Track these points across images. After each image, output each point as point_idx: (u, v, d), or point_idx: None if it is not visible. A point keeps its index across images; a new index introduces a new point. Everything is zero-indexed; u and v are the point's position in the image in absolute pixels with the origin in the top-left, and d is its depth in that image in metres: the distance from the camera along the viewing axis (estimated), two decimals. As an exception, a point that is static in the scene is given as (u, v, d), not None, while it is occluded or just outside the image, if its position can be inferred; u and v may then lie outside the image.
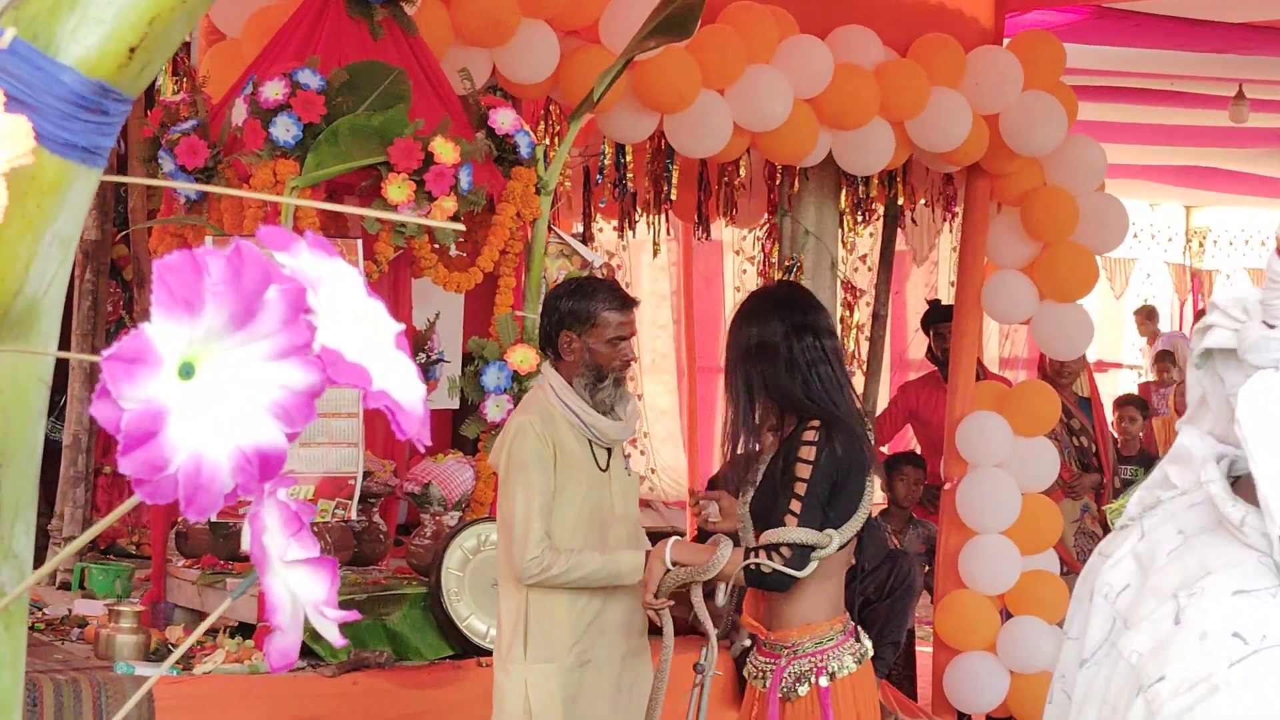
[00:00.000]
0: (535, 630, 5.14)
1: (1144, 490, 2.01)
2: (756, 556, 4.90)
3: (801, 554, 4.87)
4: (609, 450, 5.29)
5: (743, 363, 5.07)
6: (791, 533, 4.86)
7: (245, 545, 1.31)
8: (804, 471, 4.89)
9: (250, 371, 1.18)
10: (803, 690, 4.94)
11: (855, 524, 5.05)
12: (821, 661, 4.95)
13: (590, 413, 5.14)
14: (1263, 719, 1.77)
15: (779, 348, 4.99)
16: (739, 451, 5.14)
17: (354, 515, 6.23)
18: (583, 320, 5.13)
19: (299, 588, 1.31)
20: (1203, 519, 1.90)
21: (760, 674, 5.08)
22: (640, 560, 5.16)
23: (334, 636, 1.34)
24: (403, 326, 1.29)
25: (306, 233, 1.25)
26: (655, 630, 5.29)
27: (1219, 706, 1.76)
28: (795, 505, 4.89)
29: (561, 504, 5.14)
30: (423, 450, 1.33)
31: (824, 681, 4.93)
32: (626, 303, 5.29)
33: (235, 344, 1.18)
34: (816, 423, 4.94)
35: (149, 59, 1.28)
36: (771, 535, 4.90)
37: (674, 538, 5.21)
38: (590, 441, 5.19)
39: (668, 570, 5.03)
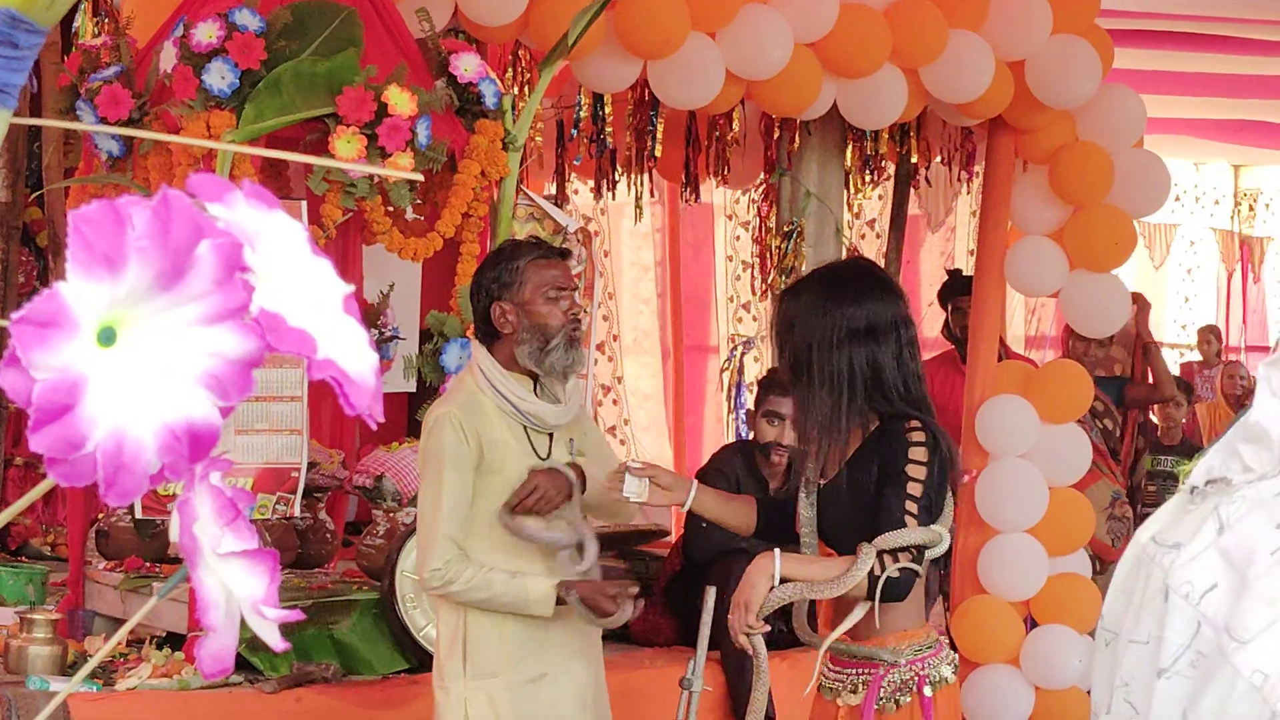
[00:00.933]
0: (475, 643, 5.11)
1: (1214, 458, 2.01)
2: (885, 563, 4.82)
3: (920, 556, 4.88)
4: (550, 436, 5.28)
5: (848, 347, 4.97)
6: (914, 534, 4.84)
7: (174, 537, 1.31)
8: (918, 472, 4.89)
9: (179, 337, 1.18)
10: (905, 700, 4.93)
11: (950, 522, 5.12)
12: (923, 670, 4.96)
13: (526, 398, 5.12)
14: None
15: (891, 335, 4.98)
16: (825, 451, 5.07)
17: (297, 512, 6.24)
18: (508, 284, 5.12)
19: (235, 584, 1.31)
20: None
21: (848, 686, 4.98)
22: (550, 593, 5.11)
23: (274, 640, 1.34)
24: (352, 288, 1.29)
25: (244, 181, 1.24)
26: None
27: None
28: (912, 506, 4.86)
29: (490, 505, 5.10)
30: (374, 426, 1.33)
31: (928, 691, 4.92)
32: (552, 252, 5.27)
33: (162, 306, 1.17)
34: (917, 422, 4.95)
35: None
36: (893, 538, 4.84)
37: (777, 550, 4.95)
38: (526, 429, 5.18)
39: (773, 587, 4.86)
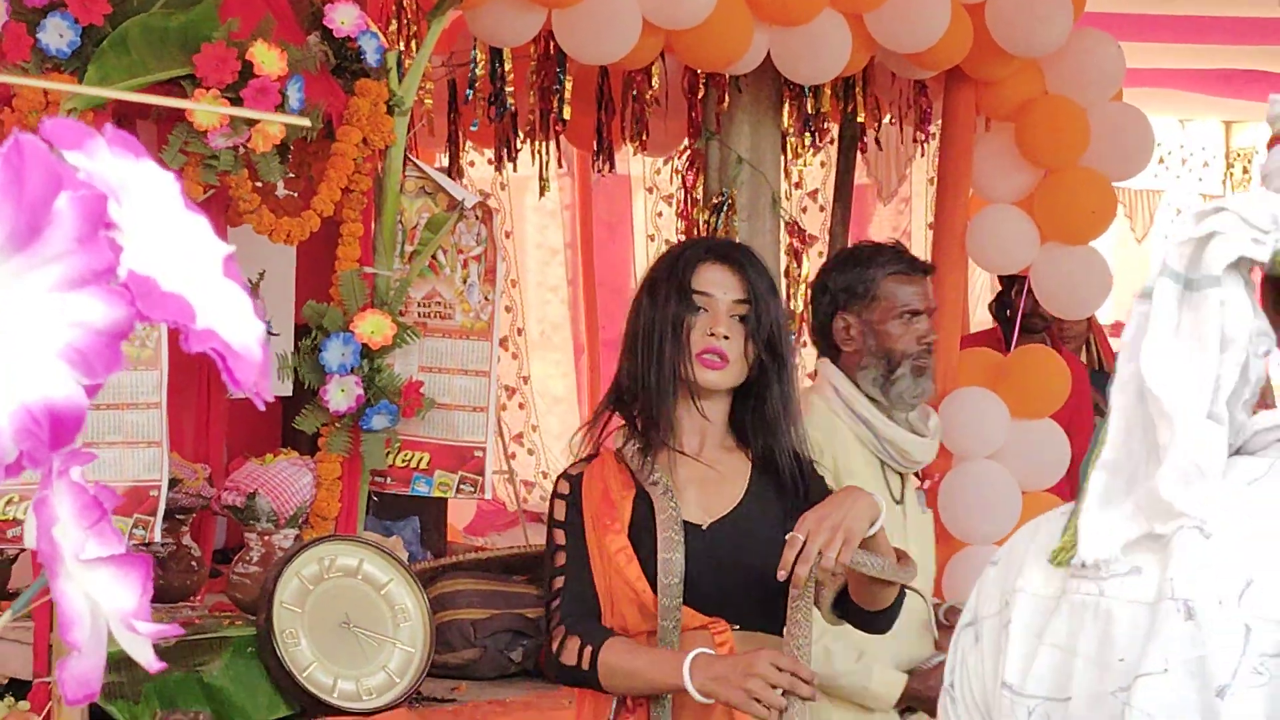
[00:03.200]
0: None
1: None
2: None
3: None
4: (901, 476, 5.27)
5: None
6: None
7: (30, 542, 1.31)
8: None
9: (36, 305, 1.18)
10: None
11: None
12: None
13: (889, 425, 5.10)
14: None
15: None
16: None
17: (158, 537, 6.20)
18: (859, 295, 5.13)
19: (101, 595, 1.32)
20: None
21: None
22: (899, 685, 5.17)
23: (147, 658, 1.35)
24: (233, 248, 1.30)
25: (106, 127, 1.24)
26: None
27: None
28: None
29: None
30: (262, 406, 1.34)
31: None
32: (916, 266, 5.29)
33: (15, 270, 1.18)
34: None
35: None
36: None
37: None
38: (883, 464, 5.16)
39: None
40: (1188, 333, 1.97)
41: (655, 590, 4.18)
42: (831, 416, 5.04)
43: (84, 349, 1.19)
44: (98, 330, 1.19)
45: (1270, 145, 2.03)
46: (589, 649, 4.15)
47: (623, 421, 4.50)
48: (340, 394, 6.32)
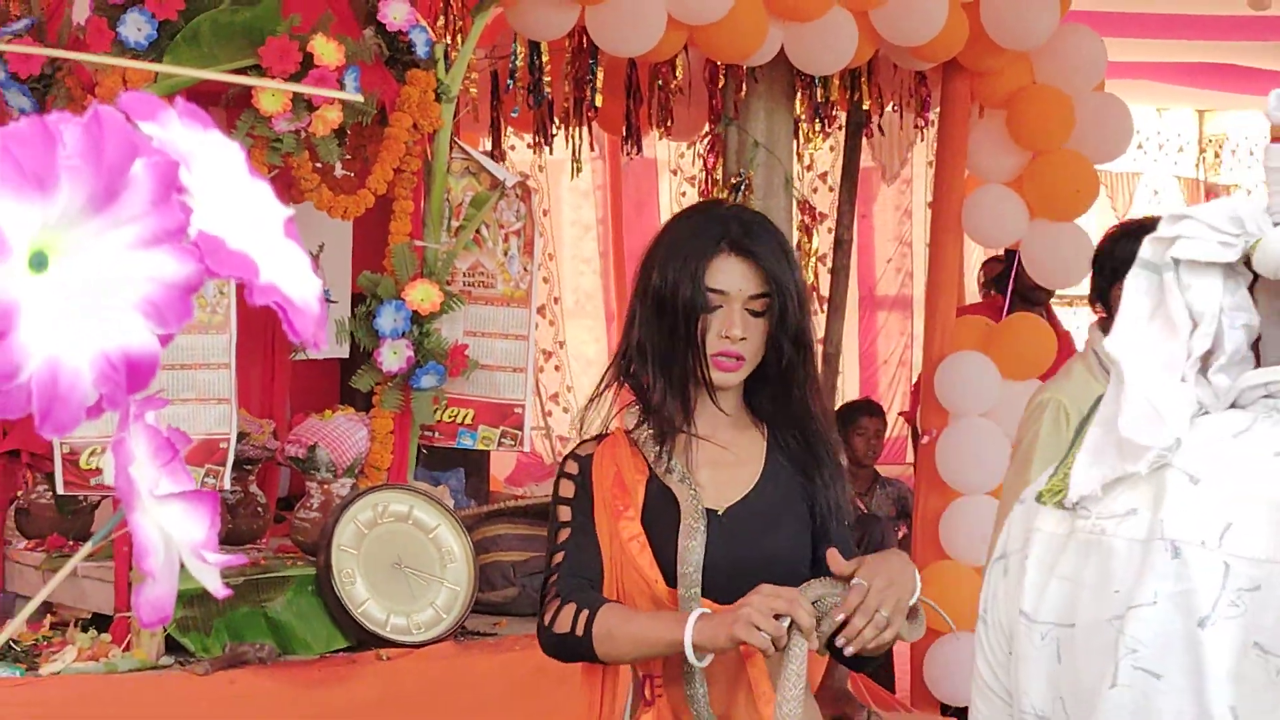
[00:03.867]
0: None
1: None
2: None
3: None
4: None
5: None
6: None
7: (108, 480, 1.31)
8: None
9: (115, 261, 1.18)
10: None
11: None
12: None
13: None
14: None
15: None
16: None
17: (227, 485, 6.22)
18: None
19: (173, 528, 1.32)
20: None
21: None
22: None
23: (216, 586, 1.35)
24: (292, 211, 1.29)
25: (177, 100, 1.24)
26: None
27: None
28: None
29: None
30: (318, 351, 1.33)
31: None
32: None
33: (96, 229, 1.17)
34: None
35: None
36: None
37: None
38: None
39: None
40: (1160, 313, 1.97)
41: (669, 579, 3.76)
42: (1090, 381, 4.91)
43: (158, 302, 1.19)
44: (170, 284, 1.19)
45: (1274, 140, 2.03)
46: (585, 614, 3.71)
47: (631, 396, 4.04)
48: (393, 356, 6.33)
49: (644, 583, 3.75)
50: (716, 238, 3.68)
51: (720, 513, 3.75)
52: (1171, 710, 1.93)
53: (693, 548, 3.68)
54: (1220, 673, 1.90)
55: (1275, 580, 1.88)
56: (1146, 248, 2.00)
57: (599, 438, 3.93)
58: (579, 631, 3.68)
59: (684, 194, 12.64)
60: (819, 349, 7.36)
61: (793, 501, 3.81)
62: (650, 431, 3.81)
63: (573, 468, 3.94)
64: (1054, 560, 2.08)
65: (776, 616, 3.43)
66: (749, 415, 3.86)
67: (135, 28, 5.83)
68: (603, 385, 3.89)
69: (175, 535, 1.32)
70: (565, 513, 3.92)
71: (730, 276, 3.66)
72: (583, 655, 3.75)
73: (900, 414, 12.97)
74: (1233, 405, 1.99)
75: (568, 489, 3.93)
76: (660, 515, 3.76)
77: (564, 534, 3.90)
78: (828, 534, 3.75)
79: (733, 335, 3.65)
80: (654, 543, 3.76)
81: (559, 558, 3.86)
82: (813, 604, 3.49)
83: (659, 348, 3.71)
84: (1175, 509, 1.95)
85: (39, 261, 1.16)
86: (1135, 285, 2.01)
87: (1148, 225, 5.50)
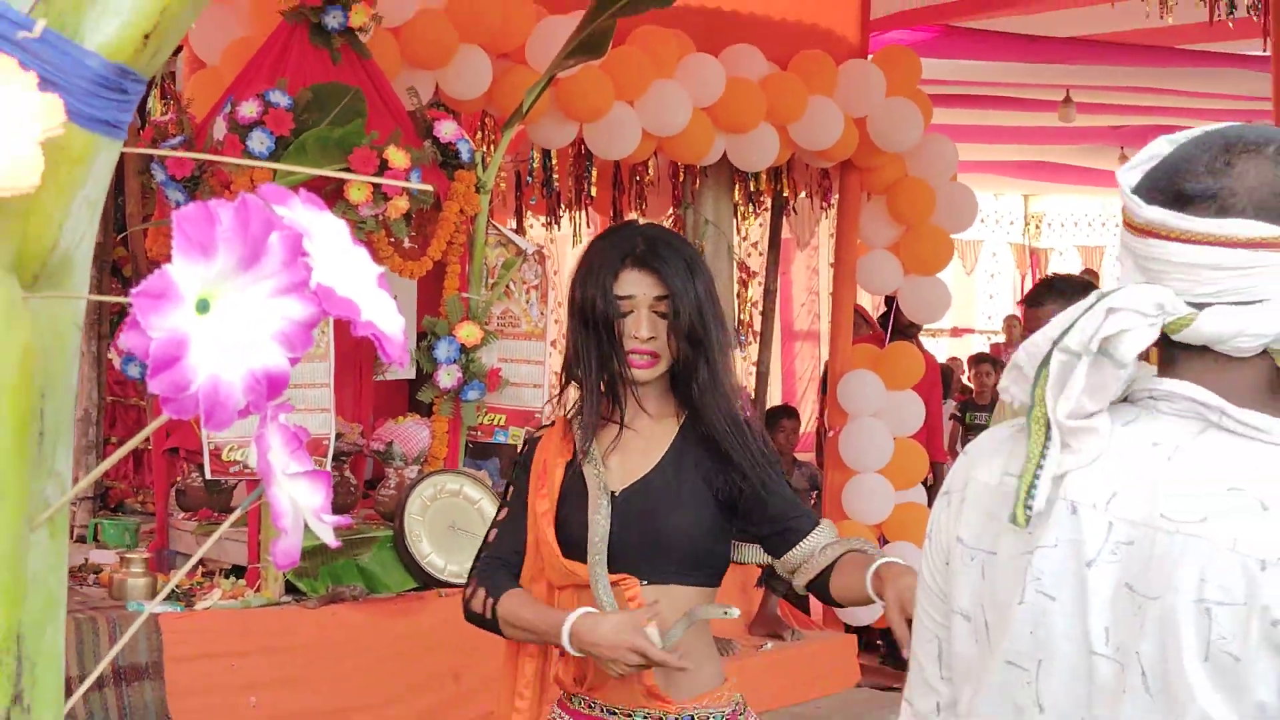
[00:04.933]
0: None
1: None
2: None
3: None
4: None
5: None
6: None
7: (251, 463, 1.32)
8: None
9: (257, 306, 1.18)
10: None
11: None
12: None
13: None
14: None
15: None
16: None
17: (329, 470, 6.23)
18: None
19: (299, 497, 1.32)
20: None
21: None
22: None
23: (330, 539, 1.35)
24: (383, 270, 1.30)
25: (300, 190, 1.25)
26: None
27: None
28: None
29: None
30: (401, 366, 1.33)
31: None
32: None
33: (244, 283, 1.18)
34: None
35: (160, 44, 1.29)
36: None
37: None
38: None
39: None
40: (1094, 388, 1.92)
41: (573, 553, 3.33)
42: None
43: (289, 334, 1.20)
44: (297, 322, 1.19)
45: (1131, 230, 1.94)
46: (490, 601, 3.35)
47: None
48: (447, 377, 6.33)
49: (552, 554, 3.35)
50: (623, 254, 3.31)
51: (617, 494, 3.35)
52: (1062, 624, 1.89)
53: (598, 522, 3.30)
54: (1099, 601, 1.86)
55: (1144, 539, 1.85)
56: (1074, 336, 1.91)
57: (550, 425, 3.57)
58: (487, 615, 3.36)
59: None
60: (743, 370, 7.27)
61: (694, 482, 3.35)
62: (581, 419, 3.43)
63: (523, 450, 3.62)
64: (985, 503, 2.05)
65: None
66: (674, 408, 3.41)
67: (259, 141, 5.84)
68: (560, 388, 3.50)
69: (300, 502, 1.32)
70: (509, 492, 3.57)
71: (635, 285, 3.28)
72: (493, 631, 3.40)
73: (816, 418, 12.97)
74: (1125, 399, 1.97)
75: (514, 471, 3.59)
76: (574, 495, 3.37)
77: (502, 513, 3.56)
78: (765, 485, 3.33)
79: (640, 335, 3.29)
80: (567, 519, 3.36)
81: (491, 535, 3.55)
82: (692, 612, 3.18)
83: (587, 351, 3.34)
84: (1076, 478, 1.93)
85: (203, 306, 1.17)
86: (1063, 367, 1.93)
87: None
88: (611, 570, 3.28)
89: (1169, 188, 1.86)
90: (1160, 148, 1.91)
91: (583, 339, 3.35)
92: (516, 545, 3.52)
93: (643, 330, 3.26)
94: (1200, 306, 1.84)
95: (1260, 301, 1.82)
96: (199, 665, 5.79)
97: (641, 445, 3.38)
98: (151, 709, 5.75)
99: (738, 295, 9.48)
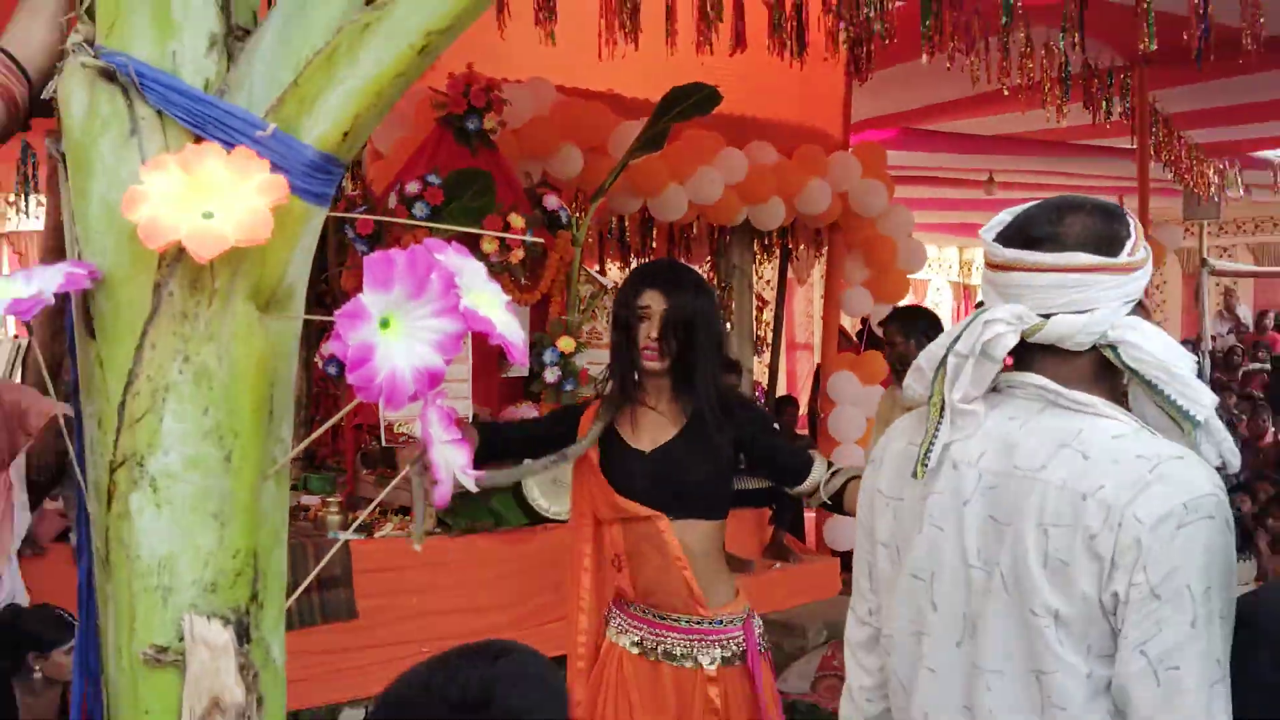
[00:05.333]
0: None
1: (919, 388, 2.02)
2: None
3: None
4: None
5: None
6: None
7: (416, 434, 1.32)
8: None
9: (422, 323, 1.19)
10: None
11: None
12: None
13: None
14: None
15: None
16: None
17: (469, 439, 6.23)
18: None
19: (450, 457, 1.33)
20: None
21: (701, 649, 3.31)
22: None
23: (470, 485, 1.36)
24: (508, 298, 1.30)
25: (451, 242, 1.26)
26: None
27: None
28: None
29: None
30: (524, 367, 1.32)
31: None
32: None
33: (412, 307, 1.19)
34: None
35: (354, 141, 1.30)
36: None
37: None
38: None
39: None
40: (977, 379, 1.94)
41: (613, 485, 3.28)
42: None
43: (443, 343, 1.20)
44: (450, 334, 1.20)
45: (992, 268, 1.98)
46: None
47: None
48: (550, 374, 6.32)
49: (605, 491, 3.27)
50: (644, 277, 3.26)
51: (647, 453, 3.26)
52: (947, 546, 1.91)
53: (633, 473, 3.25)
54: (972, 529, 1.88)
55: (1003, 484, 1.87)
56: (963, 343, 1.90)
57: (599, 397, 3.41)
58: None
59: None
60: (748, 380, 7.19)
61: (704, 448, 3.24)
62: (614, 399, 3.32)
63: (578, 403, 3.55)
64: (897, 465, 2.07)
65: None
66: (686, 395, 3.27)
67: (420, 209, 5.86)
68: (606, 374, 3.39)
69: (451, 461, 1.33)
70: (558, 412, 3.52)
71: (649, 300, 3.18)
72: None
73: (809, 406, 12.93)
74: (993, 389, 1.97)
75: (560, 410, 3.53)
76: (611, 449, 3.29)
77: (541, 421, 3.53)
78: (771, 445, 3.26)
79: (650, 337, 3.20)
80: (605, 466, 3.28)
81: (522, 420, 3.41)
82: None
83: (618, 349, 3.27)
84: (957, 446, 1.94)
85: (385, 324, 1.17)
86: (956, 366, 1.92)
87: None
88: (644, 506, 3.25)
89: (1019, 236, 1.90)
90: (1005, 216, 1.97)
91: (616, 339, 3.29)
92: (521, 431, 3.52)
93: (653, 333, 3.20)
94: (1048, 316, 1.88)
95: (1091, 310, 1.85)
96: (376, 576, 5.82)
97: (662, 420, 3.29)
98: (344, 607, 5.78)
99: (756, 318, 9.44)
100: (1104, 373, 1.90)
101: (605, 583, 3.43)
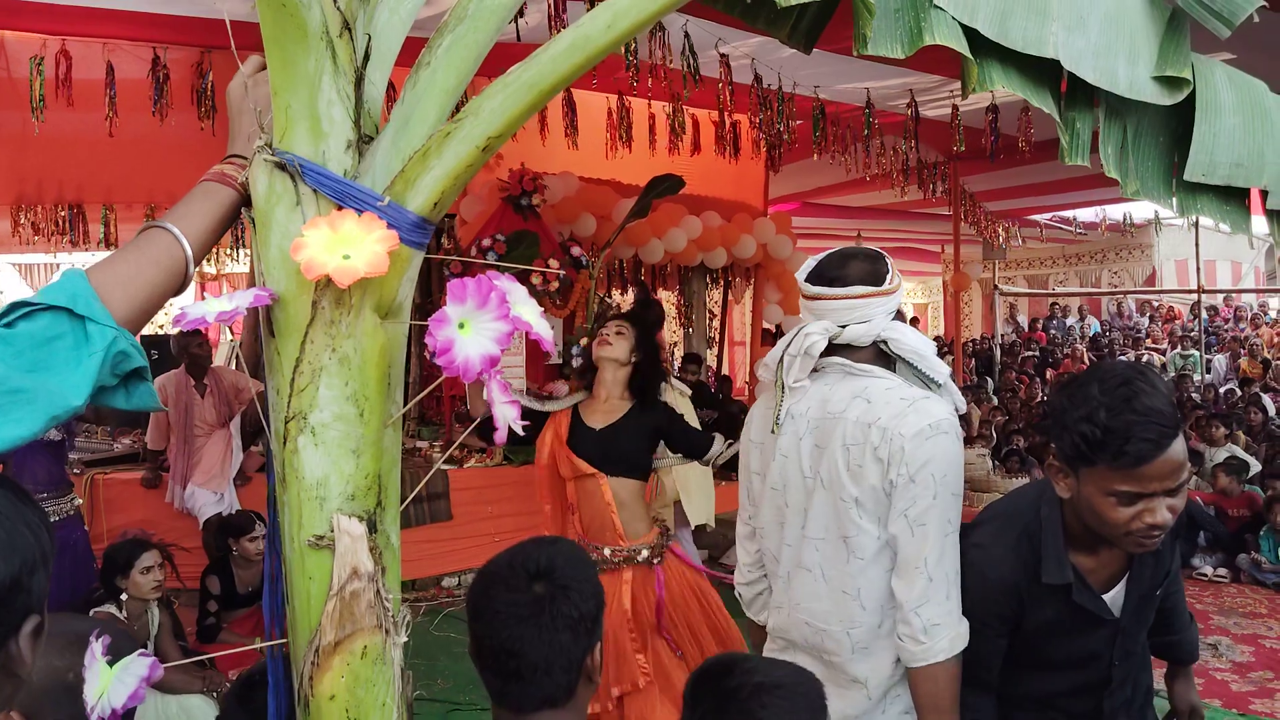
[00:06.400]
0: None
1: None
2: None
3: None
4: None
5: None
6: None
7: (486, 397, 1.31)
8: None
9: (485, 325, 1.18)
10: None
11: None
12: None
13: None
14: None
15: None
16: None
17: (519, 402, 6.15)
18: None
19: (506, 413, 1.31)
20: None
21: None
22: None
23: (519, 431, 1.34)
24: (545, 311, 1.29)
25: (505, 274, 1.25)
26: None
27: None
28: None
29: None
30: (554, 358, 1.31)
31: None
32: None
33: (479, 315, 1.18)
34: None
35: (442, 208, 1.29)
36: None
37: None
38: None
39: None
40: (802, 368, 1.96)
41: (585, 458, 3.06)
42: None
43: (499, 339, 1.19)
44: (504, 333, 1.19)
45: (805, 298, 1.97)
46: None
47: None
48: (575, 362, 6.23)
49: (569, 457, 3.08)
50: (610, 317, 3.19)
51: (597, 429, 3.07)
52: (791, 467, 1.94)
53: (585, 443, 3.08)
54: (805, 454, 1.90)
55: (821, 423, 1.92)
56: (793, 347, 1.93)
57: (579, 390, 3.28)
58: None
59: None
60: (661, 364, 7.04)
61: (638, 428, 3.06)
62: (581, 388, 3.21)
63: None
64: (760, 422, 2.05)
65: None
66: (630, 395, 3.11)
67: (490, 256, 5.82)
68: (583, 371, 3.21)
69: (506, 415, 1.31)
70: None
71: (611, 326, 3.12)
72: None
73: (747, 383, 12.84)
74: (814, 370, 1.98)
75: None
76: (576, 429, 3.14)
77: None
78: (672, 435, 3.09)
79: (606, 335, 3.13)
80: (575, 443, 3.09)
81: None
82: None
83: (588, 355, 3.15)
84: (795, 406, 1.94)
85: (461, 325, 1.16)
86: (790, 362, 1.94)
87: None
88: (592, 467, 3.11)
89: (820, 277, 1.93)
90: (811, 262, 1.98)
91: (587, 350, 3.20)
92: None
93: (609, 333, 3.12)
94: (844, 327, 1.93)
95: (868, 321, 1.90)
96: (464, 493, 5.81)
97: (612, 407, 3.15)
98: (443, 512, 5.76)
99: (709, 325, 9.37)
100: (880, 356, 1.95)
101: (568, 525, 3.21)
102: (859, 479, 1.82)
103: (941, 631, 1.71)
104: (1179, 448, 1.51)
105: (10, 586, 0.91)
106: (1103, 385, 1.54)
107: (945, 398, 1.87)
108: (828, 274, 1.92)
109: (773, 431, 1.95)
